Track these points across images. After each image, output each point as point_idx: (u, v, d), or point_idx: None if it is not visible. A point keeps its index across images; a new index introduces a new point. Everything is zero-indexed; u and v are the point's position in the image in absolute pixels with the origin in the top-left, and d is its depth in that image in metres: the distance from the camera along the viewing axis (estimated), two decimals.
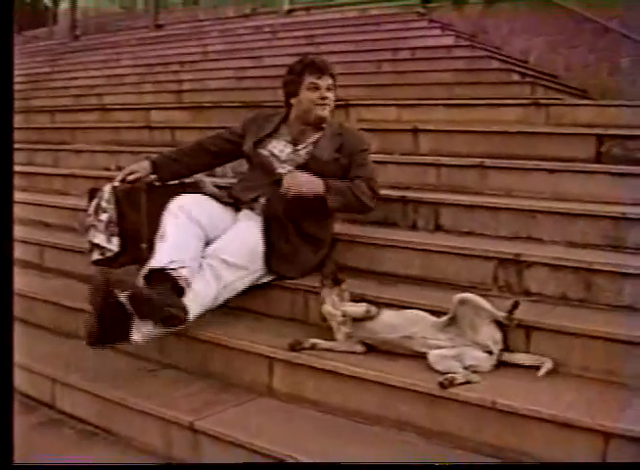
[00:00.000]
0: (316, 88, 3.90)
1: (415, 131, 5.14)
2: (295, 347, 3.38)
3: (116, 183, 4.05)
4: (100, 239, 4.01)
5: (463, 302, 3.21)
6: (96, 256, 4.06)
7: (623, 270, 3.37)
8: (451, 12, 9.33)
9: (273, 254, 3.77)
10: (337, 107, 5.83)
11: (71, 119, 8.04)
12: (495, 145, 4.78)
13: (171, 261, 3.48)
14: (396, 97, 6.09)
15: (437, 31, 8.54)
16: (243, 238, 3.74)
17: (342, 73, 7.24)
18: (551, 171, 4.29)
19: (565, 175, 4.25)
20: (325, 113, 3.95)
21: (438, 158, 4.75)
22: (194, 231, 3.67)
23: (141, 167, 4.12)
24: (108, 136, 7.05)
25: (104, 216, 3.98)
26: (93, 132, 7.37)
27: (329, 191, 3.77)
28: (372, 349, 3.39)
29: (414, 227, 4.28)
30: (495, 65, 7.19)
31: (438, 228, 4.22)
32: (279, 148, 3.99)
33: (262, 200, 3.88)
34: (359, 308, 3.39)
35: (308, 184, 3.76)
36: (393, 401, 3.12)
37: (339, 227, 4.11)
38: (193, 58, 9.71)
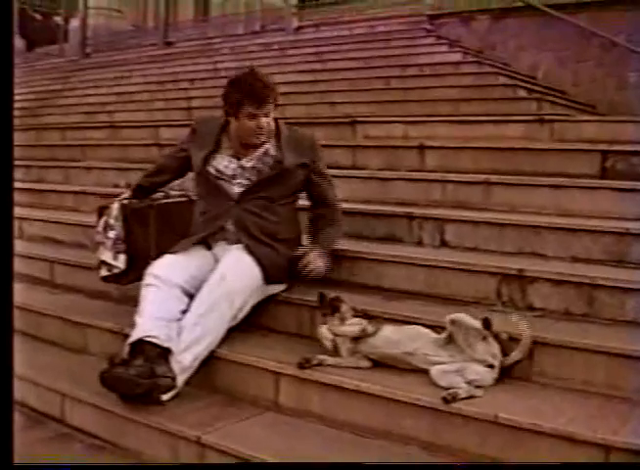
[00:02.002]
0: (254, 116, 3.80)
1: (421, 148, 5.18)
2: (303, 365, 3.41)
3: (125, 201, 4.11)
4: (107, 256, 4.06)
5: (453, 322, 3.24)
6: (104, 272, 4.12)
7: (626, 285, 3.40)
8: (459, 28, 9.37)
9: (266, 267, 3.81)
10: (343, 124, 5.96)
11: (82, 137, 8.12)
12: (500, 161, 4.81)
13: (148, 331, 3.50)
14: (404, 114, 6.13)
15: (445, 48, 8.57)
16: (237, 269, 3.72)
17: (349, 90, 7.40)
18: (555, 187, 4.32)
19: (569, 191, 4.28)
20: (261, 139, 3.88)
21: (444, 174, 4.79)
22: (172, 294, 3.68)
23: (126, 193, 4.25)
24: (117, 153, 7.12)
25: (111, 234, 4.03)
26: (103, 149, 7.43)
27: (328, 255, 3.97)
28: (377, 364, 3.42)
29: (419, 243, 4.32)
30: (502, 81, 7.21)
31: (444, 244, 4.24)
32: (224, 164, 3.93)
33: (230, 227, 3.88)
34: (355, 328, 3.45)
35: (324, 264, 3.91)
36: (398, 416, 3.15)
37: (344, 244, 4.14)
38: (203, 75, 9.78)
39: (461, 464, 2.89)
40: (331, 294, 3.62)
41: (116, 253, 4.04)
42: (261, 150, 3.93)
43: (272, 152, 3.93)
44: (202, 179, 3.99)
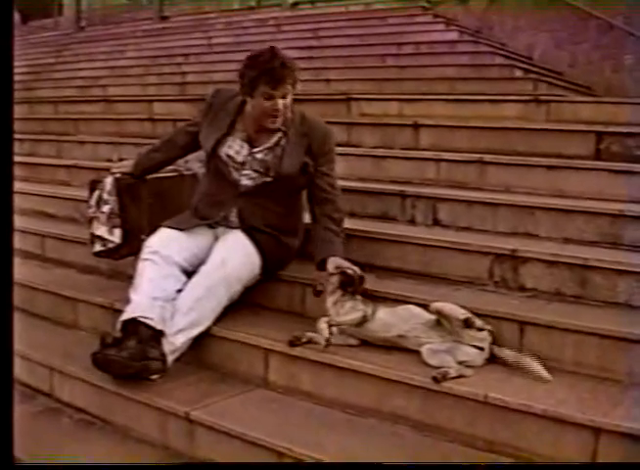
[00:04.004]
0: (270, 97, 3.61)
1: (416, 126, 5.15)
2: (294, 342, 3.39)
3: (118, 175, 4.04)
4: (101, 231, 4.01)
5: (437, 311, 3.23)
6: (98, 247, 4.07)
7: (619, 267, 3.38)
8: (456, 7, 9.33)
9: (269, 260, 3.78)
10: (338, 100, 5.93)
11: (75, 111, 8.06)
12: (495, 141, 4.79)
13: (142, 311, 3.47)
14: (399, 92, 6.11)
15: (442, 26, 8.56)
16: (239, 254, 3.68)
17: (345, 68, 7.37)
18: (550, 168, 4.31)
19: (564, 172, 4.27)
20: (276, 124, 3.69)
21: (438, 153, 4.76)
22: (170, 272, 3.64)
23: (124, 165, 4.13)
24: (111, 127, 7.08)
25: (105, 208, 3.98)
26: (96, 123, 7.39)
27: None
28: (367, 342, 3.41)
29: (412, 222, 4.30)
30: (498, 60, 7.21)
31: (436, 223, 4.23)
32: (235, 148, 3.77)
33: (233, 216, 3.80)
34: (356, 315, 3.40)
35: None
36: (388, 395, 3.15)
37: None
38: (197, 50, 9.74)
39: (461, 464, 2.87)
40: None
41: (112, 227, 3.99)
42: (273, 139, 3.76)
43: (283, 143, 3.76)
44: (210, 161, 3.85)
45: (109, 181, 4.02)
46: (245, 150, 3.78)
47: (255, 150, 3.77)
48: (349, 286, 3.49)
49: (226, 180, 3.80)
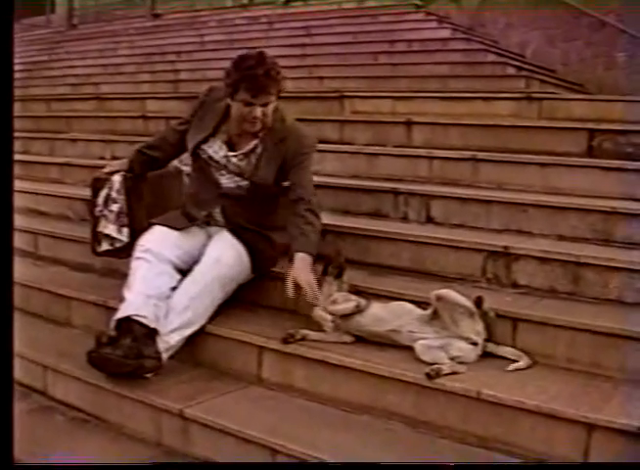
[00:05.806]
0: (249, 104, 3.55)
1: (408, 124, 5.15)
2: (287, 339, 3.40)
3: (122, 173, 4.03)
4: (110, 229, 4.00)
5: (439, 298, 3.23)
6: (105, 246, 4.05)
7: (611, 264, 3.40)
8: (448, 4, 9.33)
9: (257, 256, 3.78)
10: (331, 98, 5.93)
11: (68, 108, 8.02)
12: (488, 138, 4.79)
13: (136, 310, 3.47)
14: (392, 89, 6.11)
15: (434, 24, 8.56)
16: (231, 253, 3.69)
17: (337, 65, 7.37)
18: (543, 165, 4.31)
19: (556, 169, 4.27)
20: (255, 128, 3.64)
21: (431, 150, 4.76)
22: (163, 270, 3.64)
23: (119, 164, 4.14)
24: (103, 125, 7.05)
25: (114, 207, 3.98)
26: (89, 121, 7.34)
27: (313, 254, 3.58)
28: (361, 339, 3.42)
29: (405, 219, 4.31)
30: (491, 58, 7.21)
31: (430, 220, 4.24)
32: (214, 148, 3.75)
33: (218, 215, 3.83)
34: (349, 305, 3.42)
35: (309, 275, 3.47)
36: (382, 391, 3.16)
37: (330, 218, 4.09)
38: (190, 48, 9.72)
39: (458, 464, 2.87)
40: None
41: (121, 226, 3.99)
42: (250, 146, 3.72)
43: (259, 150, 3.70)
44: (195, 160, 3.87)
45: (117, 180, 4.01)
46: (223, 151, 3.77)
47: (231, 154, 3.76)
48: (330, 265, 3.55)
49: (208, 180, 3.81)
